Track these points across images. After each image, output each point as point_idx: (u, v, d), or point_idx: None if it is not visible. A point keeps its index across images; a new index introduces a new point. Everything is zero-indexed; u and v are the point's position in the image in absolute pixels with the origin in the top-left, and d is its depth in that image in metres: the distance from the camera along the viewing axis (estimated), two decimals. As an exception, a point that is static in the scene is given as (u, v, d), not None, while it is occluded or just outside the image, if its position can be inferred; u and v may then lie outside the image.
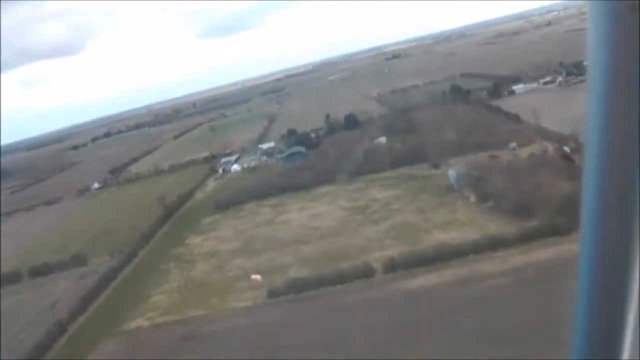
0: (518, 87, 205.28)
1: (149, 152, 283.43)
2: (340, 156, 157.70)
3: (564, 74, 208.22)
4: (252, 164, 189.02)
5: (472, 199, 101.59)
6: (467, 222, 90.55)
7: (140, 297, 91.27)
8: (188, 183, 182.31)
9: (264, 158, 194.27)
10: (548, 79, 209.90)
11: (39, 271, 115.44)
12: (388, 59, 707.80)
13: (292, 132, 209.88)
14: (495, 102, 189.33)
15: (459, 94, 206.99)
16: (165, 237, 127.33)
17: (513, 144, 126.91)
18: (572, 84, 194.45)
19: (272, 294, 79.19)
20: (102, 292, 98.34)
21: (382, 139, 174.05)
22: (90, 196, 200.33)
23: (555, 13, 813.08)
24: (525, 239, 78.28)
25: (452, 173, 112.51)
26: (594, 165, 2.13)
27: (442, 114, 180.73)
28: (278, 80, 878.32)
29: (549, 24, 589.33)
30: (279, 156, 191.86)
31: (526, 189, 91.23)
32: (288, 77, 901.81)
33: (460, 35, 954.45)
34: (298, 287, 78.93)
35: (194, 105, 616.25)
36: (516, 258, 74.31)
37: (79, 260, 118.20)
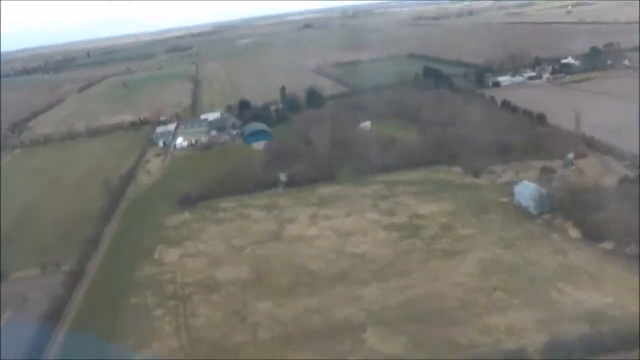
0: (504, 79, 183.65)
1: (51, 106, 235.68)
2: (325, 142, 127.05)
3: (550, 70, 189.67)
4: (203, 139, 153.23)
5: (573, 233, 75.87)
6: (599, 275, 64.28)
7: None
8: (120, 156, 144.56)
9: (214, 132, 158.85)
10: (532, 73, 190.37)
11: None
12: (300, 29, 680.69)
13: (245, 104, 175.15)
14: (483, 93, 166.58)
15: (439, 78, 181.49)
16: (119, 243, 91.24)
17: (570, 156, 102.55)
18: (565, 83, 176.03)
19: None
20: (46, 346, 62.45)
21: (367, 124, 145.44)
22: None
23: (466, 3, 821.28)
24: None
25: (523, 191, 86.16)
26: None
27: (433, 100, 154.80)
28: (180, 38, 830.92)
29: (470, 13, 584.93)
30: (234, 132, 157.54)
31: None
32: (192, 36, 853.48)
33: (367, 12, 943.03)
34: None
35: (88, 54, 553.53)
36: None
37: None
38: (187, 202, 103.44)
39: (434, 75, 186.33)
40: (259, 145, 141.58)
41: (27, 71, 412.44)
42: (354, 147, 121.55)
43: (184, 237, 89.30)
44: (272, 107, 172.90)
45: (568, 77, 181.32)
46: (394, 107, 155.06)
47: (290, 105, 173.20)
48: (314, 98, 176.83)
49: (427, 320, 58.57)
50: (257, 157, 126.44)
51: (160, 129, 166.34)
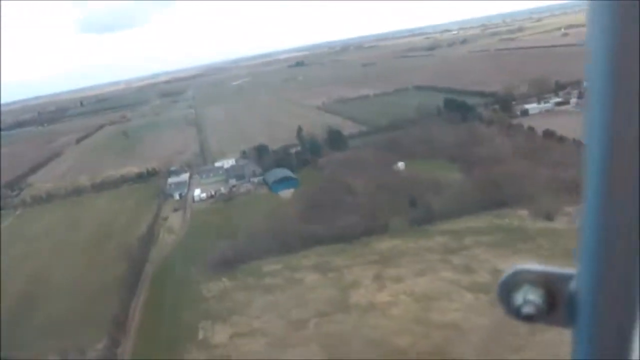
0: (532, 107, 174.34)
1: (49, 160, 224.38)
2: (366, 188, 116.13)
3: (577, 94, 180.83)
4: (222, 189, 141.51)
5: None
6: None
7: None
8: (134, 212, 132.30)
9: (233, 181, 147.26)
10: (558, 99, 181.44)
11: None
12: (292, 67, 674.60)
13: (263, 149, 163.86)
14: (520, 123, 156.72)
15: (464, 110, 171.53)
16: (152, 320, 78.59)
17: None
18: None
19: None
20: None
21: (401, 165, 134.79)
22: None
23: (454, 32, 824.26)
24: None
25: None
26: (594, 172, 1.92)
27: (465, 134, 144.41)
28: (170, 82, 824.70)
29: (463, 42, 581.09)
30: (255, 179, 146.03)
31: None
32: (179, 80, 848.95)
33: (357, 46, 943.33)
34: None
35: (81, 103, 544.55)
36: None
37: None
38: (223, 265, 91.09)
39: (458, 108, 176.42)
40: (286, 193, 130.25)
41: (20, 124, 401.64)
42: (397, 192, 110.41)
43: (230, 310, 76.83)
44: (292, 151, 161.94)
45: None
46: (425, 145, 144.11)
47: (311, 147, 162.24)
48: (335, 139, 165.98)
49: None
50: (290, 208, 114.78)
51: (172, 180, 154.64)
